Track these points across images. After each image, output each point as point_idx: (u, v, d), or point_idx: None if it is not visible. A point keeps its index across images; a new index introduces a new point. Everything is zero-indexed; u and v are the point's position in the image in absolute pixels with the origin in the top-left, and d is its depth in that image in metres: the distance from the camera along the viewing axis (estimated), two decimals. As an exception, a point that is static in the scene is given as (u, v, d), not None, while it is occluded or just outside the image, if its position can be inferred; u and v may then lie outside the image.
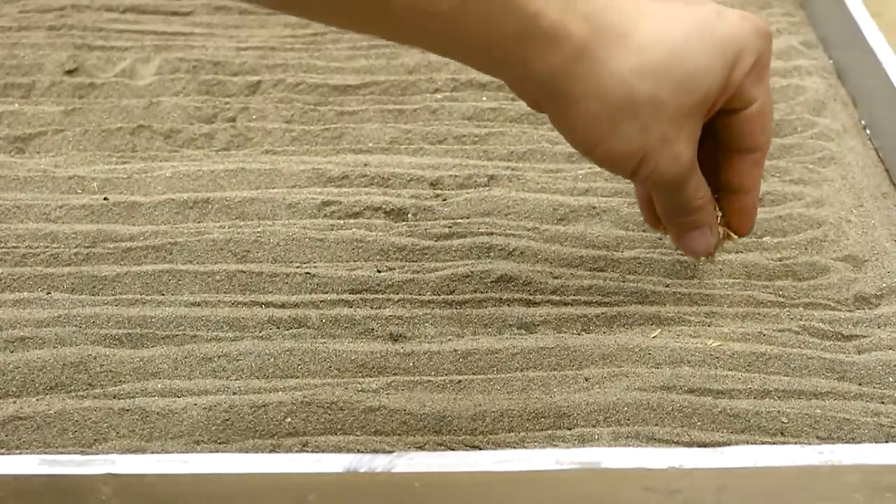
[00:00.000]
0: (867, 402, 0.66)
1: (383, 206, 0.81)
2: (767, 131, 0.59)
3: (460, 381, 0.67)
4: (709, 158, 0.61)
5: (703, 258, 0.67)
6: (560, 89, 0.53)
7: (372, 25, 0.53)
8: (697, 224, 0.61)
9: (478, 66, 0.56)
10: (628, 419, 0.64)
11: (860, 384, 0.68)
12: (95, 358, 0.67)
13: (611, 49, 0.53)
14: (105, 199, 0.80)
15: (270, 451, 0.62)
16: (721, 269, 0.76)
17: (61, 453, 0.61)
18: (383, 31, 0.53)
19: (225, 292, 0.73)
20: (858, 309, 0.74)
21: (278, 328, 0.71)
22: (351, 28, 0.54)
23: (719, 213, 0.64)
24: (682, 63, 0.54)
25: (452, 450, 0.62)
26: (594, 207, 0.81)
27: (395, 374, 0.68)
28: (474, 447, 0.63)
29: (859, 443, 0.63)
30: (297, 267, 0.75)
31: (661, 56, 0.53)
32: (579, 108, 0.54)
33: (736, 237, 0.65)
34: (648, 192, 0.63)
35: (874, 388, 0.67)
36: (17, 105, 0.92)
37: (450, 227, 0.79)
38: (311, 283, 0.74)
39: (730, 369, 0.68)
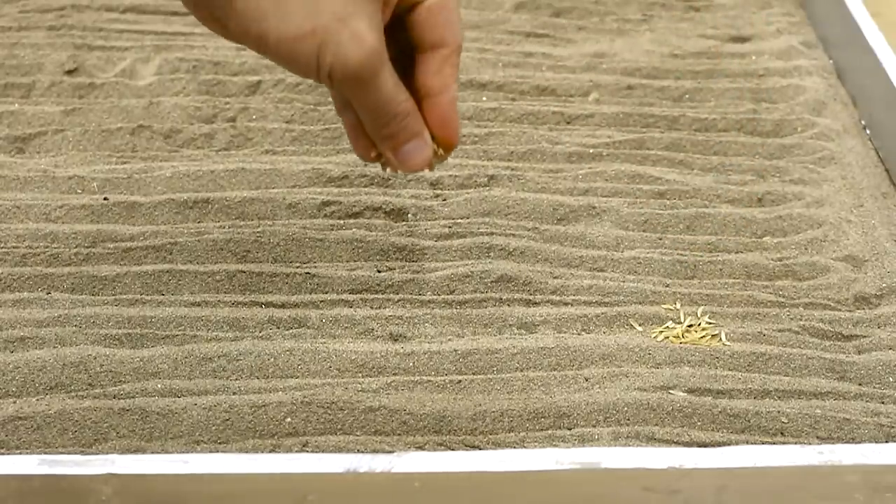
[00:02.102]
0: (867, 402, 0.66)
1: (383, 206, 0.81)
2: (452, 25, 0.57)
3: (460, 381, 0.67)
4: (406, 70, 0.58)
5: (425, 171, 0.62)
6: None
7: None
8: (409, 133, 0.57)
9: None
10: (628, 419, 0.64)
11: (860, 384, 0.68)
12: (95, 358, 0.67)
13: None
14: (105, 199, 0.80)
15: (270, 451, 0.62)
16: (721, 269, 0.76)
17: (61, 453, 0.61)
18: None
19: (225, 292, 0.73)
20: (858, 309, 0.74)
21: (278, 328, 0.71)
22: None
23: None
24: None
25: (452, 450, 0.62)
26: (594, 207, 0.81)
27: (395, 374, 0.68)
28: (474, 447, 0.63)
29: (859, 443, 0.63)
30: (297, 267, 0.75)
31: None
32: None
33: (442, 153, 0.60)
34: (356, 117, 0.61)
35: (874, 388, 0.67)
36: (17, 105, 0.92)
37: (450, 227, 0.79)
38: (311, 283, 0.74)
39: (730, 369, 0.68)
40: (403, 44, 0.57)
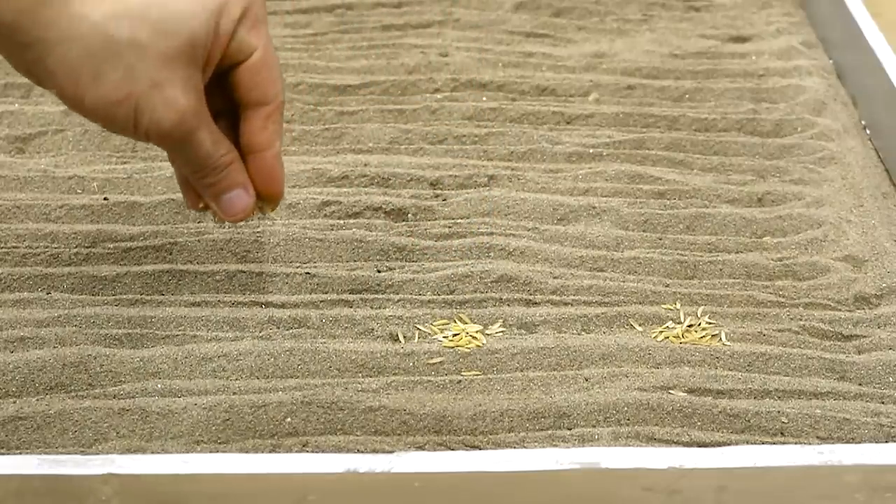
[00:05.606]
0: (867, 402, 0.66)
1: (383, 206, 0.81)
2: (274, 83, 0.59)
3: (460, 381, 0.67)
4: (233, 124, 0.61)
5: (242, 221, 0.63)
6: (30, 36, 0.52)
7: None
8: (229, 184, 0.60)
9: None
10: (628, 419, 0.64)
11: (860, 384, 0.68)
12: (95, 358, 0.67)
13: None
14: (105, 199, 0.80)
15: (270, 451, 0.62)
16: (721, 269, 0.76)
17: (61, 453, 0.61)
18: None
19: (225, 292, 0.73)
20: (858, 309, 0.74)
21: (278, 328, 0.71)
22: None
23: None
24: (160, 7, 0.54)
25: (452, 450, 0.62)
26: (594, 207, 0.81)
27: (395, 374, 0.68)
28: (474, 447, 0.63)
29: (859, 443, 0.63)
30: (297, 267, 0.75)
31: (137, 0, 0.53)
32: (56, 55, 0.53)
33: (268, 208, 0.63)
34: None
35: (874, 388, 0.67)
36: (17, 105, 0.92)
37: (450, 227, 0.79)
38: (311, 283, 0.74)
39: (730, 369, 0.68)
40: (230, 98, 0.59)
